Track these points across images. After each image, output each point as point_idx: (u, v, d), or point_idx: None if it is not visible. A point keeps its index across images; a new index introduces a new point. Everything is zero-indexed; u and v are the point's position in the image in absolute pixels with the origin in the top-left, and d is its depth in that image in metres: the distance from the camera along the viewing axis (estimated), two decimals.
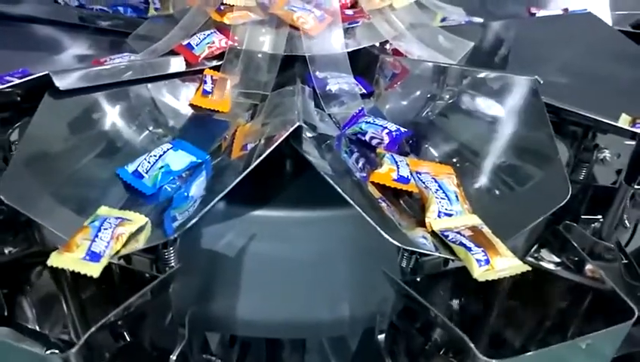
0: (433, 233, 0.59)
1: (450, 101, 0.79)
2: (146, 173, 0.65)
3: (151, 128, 0.75)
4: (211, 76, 0.81)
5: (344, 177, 0.64)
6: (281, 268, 0.67)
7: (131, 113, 0.75)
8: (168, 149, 0.68)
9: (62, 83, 0.70)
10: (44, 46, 0.86)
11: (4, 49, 0.84)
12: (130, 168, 0.66)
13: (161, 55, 0.82)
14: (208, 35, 0.83)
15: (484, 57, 0.91)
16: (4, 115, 0.77)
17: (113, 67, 0.76)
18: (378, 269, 0.59)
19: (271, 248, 0.67)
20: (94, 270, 0.54)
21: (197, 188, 0.66)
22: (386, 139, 0.69)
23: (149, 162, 0.66)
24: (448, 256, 0.56)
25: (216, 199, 0.58)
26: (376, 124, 0.71)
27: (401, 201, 0.66)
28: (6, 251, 0.68)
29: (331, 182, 0.57)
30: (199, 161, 0.68)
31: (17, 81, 0.71)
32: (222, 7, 0.85)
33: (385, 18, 0.88)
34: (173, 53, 0.82)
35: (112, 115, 0.74)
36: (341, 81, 0.81)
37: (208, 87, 0.79)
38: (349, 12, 0.87)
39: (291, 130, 0.62)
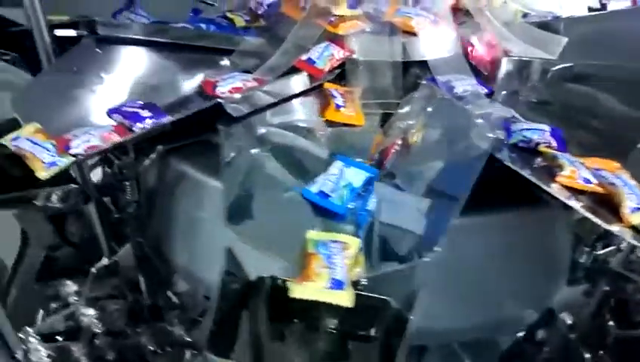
0: (633, 227, 0.61)
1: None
2: (332, 192, 0.64)
3: None
4: (335, 89, 0.80)
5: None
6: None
7: None
8: (343, 167, 0.67)
9: (234, 111, 0.70)
10: (146, 69, 0.83)
11: (105, 73, 0.80)
12: (314, 188, 0.65)
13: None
14: (325, 47, 0.82)
15: (582, 51, 0.93)
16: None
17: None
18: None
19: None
20: (344, 299, 0.53)
21: (374, 203, 0.67)
22: (553, 142, 0.71)
23: (330, 181, 0.65)
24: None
25: None
26: (535, 129, 0.72)
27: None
28: None
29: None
30: (371, 175, 0.68)
31: (182, 116, 0.72)
32: (332, 19, 0.84)
33: (485, 17, 0.90)
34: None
35: None
36: (464, 83, 0.82)
37: (339, 100, 0.77)
38: None
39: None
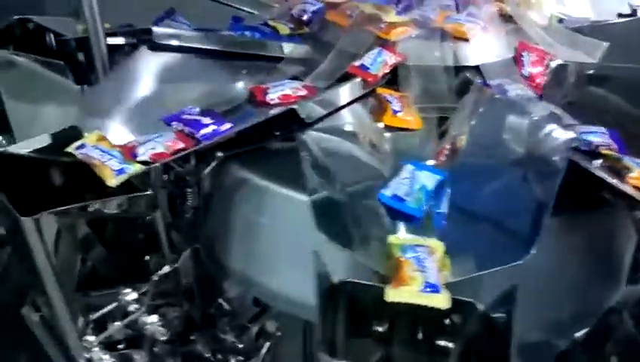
0: None
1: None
2: (407, 195, 0.64)
3: None
4: (389, 95, 0.80)
5: None
6: None
7: None
8: (414, 170, 0.68)
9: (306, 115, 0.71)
10: (199, 76, 0.83)
11: (162, 81, 0.80)
12: (388, 192, 0.64)
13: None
14: (378, 53, 0.82)
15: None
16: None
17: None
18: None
19: None
20: (441, 301, 0.53)
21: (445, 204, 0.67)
22: (614, 144, 0.71)
23: (404, 184, 0.65)
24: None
25: None
26: (595, 132, 0.72)
27: None
28: None
29: None
30: (442, 178, 0.68)
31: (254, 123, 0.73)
32: (382, 25, 0.85)
33: (528, 23, 0.91)
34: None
35: None
36: (516, 87, 0.83)
37: (396, 105, 0.78)
38: None
39: None
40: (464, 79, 0.84)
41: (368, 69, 0.81)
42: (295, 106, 0.67)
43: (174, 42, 0.79)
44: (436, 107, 0.79)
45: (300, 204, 0.69)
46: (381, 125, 0.77)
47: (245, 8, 1.03)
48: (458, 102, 0.80)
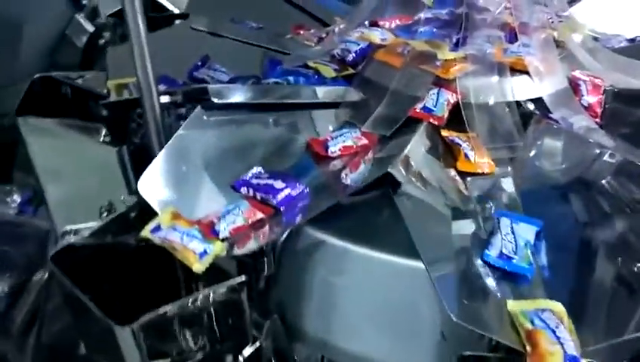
0: None
1: None
2: (515, 253, 0.61)
3: None
4: (456, 137, 0.77)
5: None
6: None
7: None
8: (511, 223, 0.65)
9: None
10: (258, 134, 0.79)
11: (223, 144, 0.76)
12: (493, 252, 0.61)
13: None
14: (438, 93, 0.79)
15: None
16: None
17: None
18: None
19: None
20: None
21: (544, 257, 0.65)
22: None
23: (509, 241, 0.62)
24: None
25: None
26: None
27: None
28: None
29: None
30: (539, 228, 0.65)
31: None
32: (437, 63, 0.82)
33: (576, 48, 0.89)
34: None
35: None
36: (580, 118, 0.81)
37: (467, 149, 0.75)
38: None
39: None
40: (525, 113, 0.82)
41: (432, 111, 0.78)
42: (391, 170, 0.63)
43: (232, 99, 0.74)
44: (506, 146, 0.77)
45: (382, 263, 0.67)
46: (452, 172, 0.75)
47: (278, 48, 0.99)
48: (527, 140, 0.78)
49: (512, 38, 0.86)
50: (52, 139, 0.86)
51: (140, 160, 0.86)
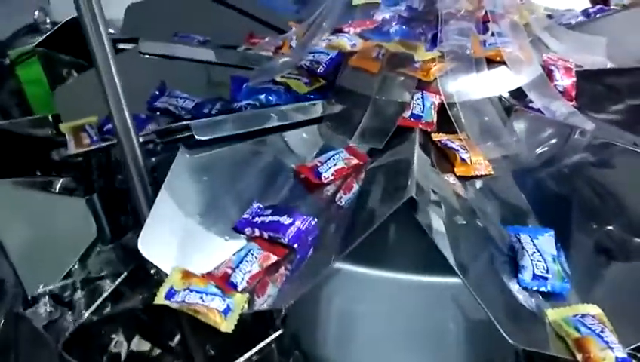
0: None
1: None
2: (547, 272, 0.59)
3: None
4: (448, 140, 0.75)
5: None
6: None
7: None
8: (532, 239, 0.62)
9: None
10: (247, 167, 0.74)
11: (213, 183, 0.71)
12: (527, 276, 0.59)
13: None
14: (422, 97, 0.77)
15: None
16: None
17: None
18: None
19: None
20: None
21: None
22: None
23: (538, 260, 0.60)
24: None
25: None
26: None
27: None
28: None
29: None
30: (554, 236, 0.64)
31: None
32: (416, 65, 0.79)
33: (540, 30, 0.90)
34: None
35: None
36: (559, 105, 0.81)
37: (464, 154, 0.73)
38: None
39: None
40: (506, 106, 0.81)
41: (421, 117, 0.76)
42: (413, 195, 0.60)
43: (216, 134, 0.69)
44: (499, 144, 0.76)
45: (397, 285, 0.65)
46: (451, 177, 0.73)
47: (238, 64, 0.93)
48: (515, 135, 0.78)
49: (483, 28, 0.85)
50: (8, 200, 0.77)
51: (111, 207, 0.81)
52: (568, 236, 0.66)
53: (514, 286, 0.60)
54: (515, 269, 0.61)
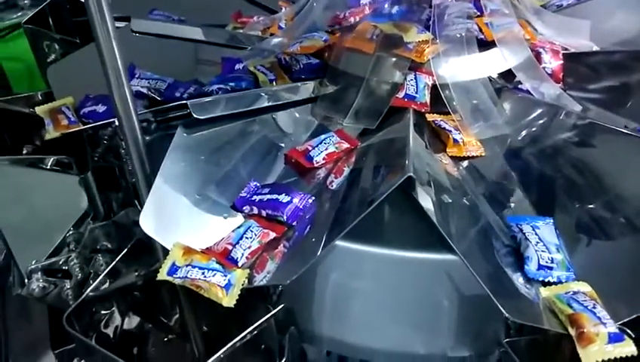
0: None
1: None
2: (552, 262, 0.61)
3: None
4: (441, 121, 0.77)
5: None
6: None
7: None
8: (534, 229, 0.64)
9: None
10: (241, 144, 0.74)
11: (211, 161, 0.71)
12: (533, 266, 0.61)
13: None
14: (416, 78, 0.78)
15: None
16: None
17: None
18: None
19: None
20: (631, 348, 0.53)
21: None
22: None
23: (542, 251, 0.62)
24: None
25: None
26: None
27: None
28: None
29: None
30: (554, 224, 0.65)
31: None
32: (410, 47, 0.80)
33: (526, 12, 0.91)
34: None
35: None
36: (548, 86, 0.82)
37: (457, 135, 0.74)
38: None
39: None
40: (496, 88, 0.83)
41: (415, 98, 0.77)
42: (411, 174, 0.61)
43: (214, 113, 0.69)
44: (490, 125, 0.78)
45: (393, 259, 0.66)
46: (444, 157, 0.75)
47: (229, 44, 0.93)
48: (506, 115, 0.79)
49: (477, 7, 0.85)
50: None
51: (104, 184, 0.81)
52: (554, 215, 0.67)
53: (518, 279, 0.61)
54: (519, 259, 0.62)
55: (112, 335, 0.74)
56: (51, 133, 0.81)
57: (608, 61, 0.91)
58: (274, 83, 0.86)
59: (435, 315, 0.68)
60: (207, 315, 0.70)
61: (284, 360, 0.65)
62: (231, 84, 0.86)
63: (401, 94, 0.77)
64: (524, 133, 0.80)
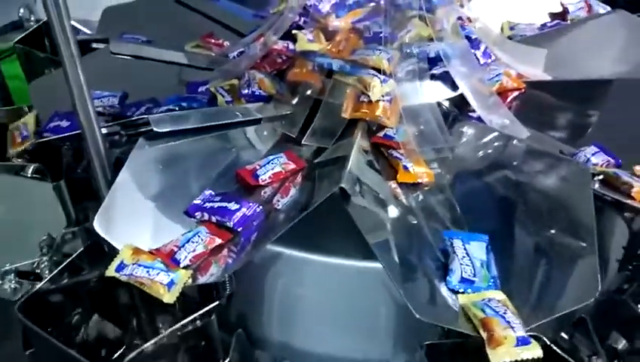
0: None
1: None
2: (475, 276, 0.65)
3: None
4: (392, 149, 0.80)
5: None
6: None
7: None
8: (464, 244, 0.68)
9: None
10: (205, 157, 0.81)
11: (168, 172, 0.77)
12: (454, 278, 0.65)
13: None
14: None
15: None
16: None
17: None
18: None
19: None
20: (537, 350, 0.58)
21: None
22: (612, 160, 0.81)
23: (466, 264, 0.66)
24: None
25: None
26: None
27: None
28: None
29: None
30: (486, 243, 0.69)
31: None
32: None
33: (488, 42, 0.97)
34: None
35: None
36: (502, 115, 0.87)
37: (406, 162, 0.78)
38: None
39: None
40: (445, 112, 0.88)
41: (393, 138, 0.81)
42: (344, 185, 0.67)
43: (174, 127, 0.75)
44: (433, 149, 0.82)
45: (337, 268, 0.71)
46: (393, 184, 0.78)
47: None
48: (451, 139, 0.84)
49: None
50: None
51: (79, 192, 0.87)
52: (498, 238, 0.71)
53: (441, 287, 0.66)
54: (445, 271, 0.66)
55: (76, 334, 0.79)
56: (10, 151, 0.90)
57: (563, 91, 0.96)
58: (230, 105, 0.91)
59: (374, 322, 0.73)
60: (161, 314, 0.74)
61: (227, 360, 0.69)
62: (183, 103, 0.93)
63: (381, 133, 0.82)
64: (472, 158, 0.85)
